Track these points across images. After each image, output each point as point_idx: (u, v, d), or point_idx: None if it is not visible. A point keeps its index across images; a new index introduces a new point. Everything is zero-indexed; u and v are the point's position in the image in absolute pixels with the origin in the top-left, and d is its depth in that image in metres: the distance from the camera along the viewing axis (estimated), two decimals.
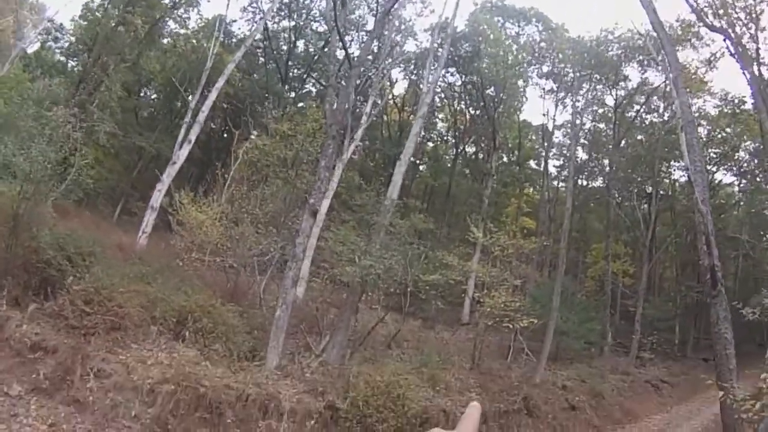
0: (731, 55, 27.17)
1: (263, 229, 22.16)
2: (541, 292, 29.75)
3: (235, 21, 40.60)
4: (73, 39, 34.50)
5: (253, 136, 28.84)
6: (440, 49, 29.30)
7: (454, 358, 22.55)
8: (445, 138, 49.06)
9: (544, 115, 47.17)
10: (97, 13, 30.61)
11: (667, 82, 37.26)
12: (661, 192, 42.46)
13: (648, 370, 30.79)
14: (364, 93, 33.62)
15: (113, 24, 29.54)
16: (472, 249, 31.63)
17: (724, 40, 26.78)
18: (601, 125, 45.43)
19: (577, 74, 39.02)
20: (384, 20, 25.71)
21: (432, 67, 28.21)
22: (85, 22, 32.16)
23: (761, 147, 42.01)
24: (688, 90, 40.50)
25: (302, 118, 30.46)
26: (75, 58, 34.92)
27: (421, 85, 43.82)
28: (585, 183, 48.24)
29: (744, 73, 25.82)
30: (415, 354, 21.06)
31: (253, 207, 22.86)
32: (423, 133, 47.53)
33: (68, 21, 35.40)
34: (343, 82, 23.91)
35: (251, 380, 13.54)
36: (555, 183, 50.83)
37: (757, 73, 25.82)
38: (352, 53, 39.61)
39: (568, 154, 48.67)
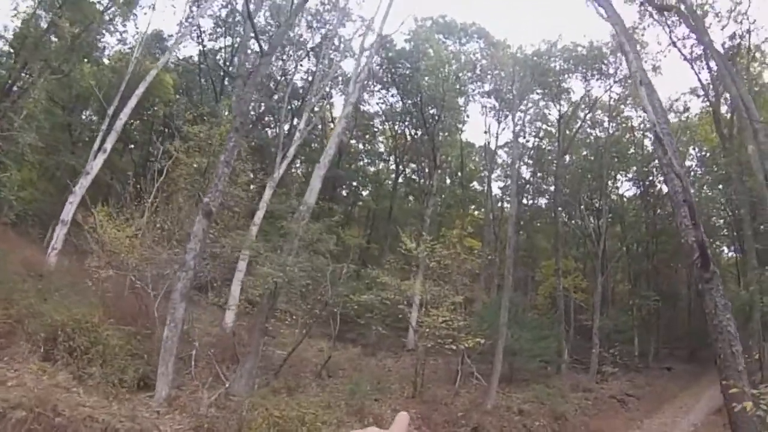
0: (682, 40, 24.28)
1: (177, 245, 18.79)
2: (488, 310, 26.04)
3: (171, 36, 36.90)
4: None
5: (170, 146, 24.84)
6: (368, 51, 25.51)
7: (393, 386, 19.40)
8: (387, 160, 45.23)
9: (485, 132, 44.00)
10: (24, 15, 26.32)
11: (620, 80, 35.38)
12: (610, 205, 39.56)
13: (611, 385, 27.08)
14: (299, 114, 31.75)
15: (44, 27, 25.96)
16: (415, 269, 27.79)
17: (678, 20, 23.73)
18: (544, 143, 42.59)
19: (519, 89, 36.21)
20: (299, 11, 22.32)
21: (360, 71, 24.30)
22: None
23: (707, 155, 40.12)
24: (631, 101, 38.74)
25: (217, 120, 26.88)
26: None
27: (360, 106, 41.26)
28: (530, 202, 46.08)
29: (703, 47, 23.30)
30: (350, 383, 17.40)
31: (163, 221, 19.70)
32: (366, 159, 44.55)
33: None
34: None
35: (125, 413, 10.85)
36: (500, 204, 48.07)
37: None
38: (289, 69, 37.80)
39: (510, 173, 46.21)
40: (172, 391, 13.28)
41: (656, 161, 39.97)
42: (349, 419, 13.75)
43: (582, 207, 37.83)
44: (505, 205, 48.56)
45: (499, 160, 46.69)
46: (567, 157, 40.20)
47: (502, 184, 48.32)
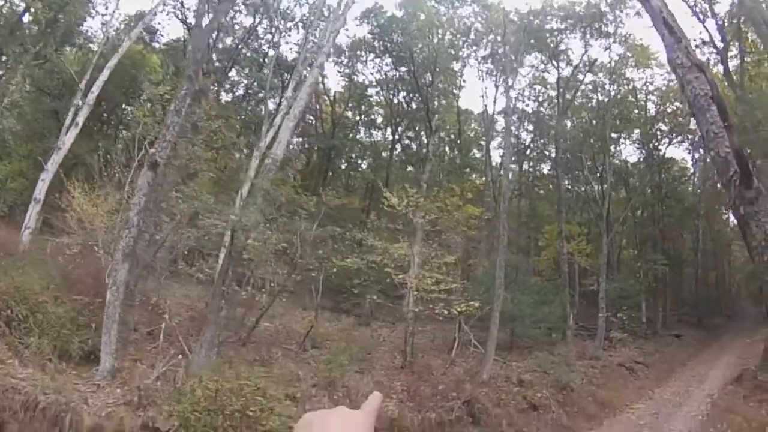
0: None
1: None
2: (485, 273, 23.57)
3: (155, 14, 34.08)
4: None
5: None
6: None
7: (384, 356, 17.60)
8: (384, 129, 42.80)
9: (481, 96, 41.00)
10: None
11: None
12: (614, 169, 37.00)
13: (619, 353, 24.66)
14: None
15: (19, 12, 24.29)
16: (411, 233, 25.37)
17: None
18: (545, 106, 39.99)
19: (515, 51, 33.51)
20: None
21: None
22: None
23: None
24: (633, 62, 36.00)
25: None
26: None
27: (354, 77, 38.90)
28: (531, 168, 44.45)
29: None
30: (329, 354, 15.14)
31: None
32: (363, 129, 42.06)
33: None
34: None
35: (52, 385, 9.45)
36: (500, 171, 45.44)
37: None
38: (279, 42, 35.23)
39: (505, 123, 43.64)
40: (124, 363, 11.75)
41: (660, 124, 38.02)
42: (318, 393, 11.46)
43: (585, 171, 35.05)
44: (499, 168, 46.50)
45: (498, 127, 44.25)
46: (568, 122, 37.73)
47: (502, 152, 45.97)
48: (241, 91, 37.62)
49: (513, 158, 43.98)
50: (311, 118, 39.74)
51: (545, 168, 43.80)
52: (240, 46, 35.62)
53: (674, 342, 30.17)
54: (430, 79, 35.11)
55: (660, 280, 35.12)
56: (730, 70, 28.99)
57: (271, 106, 29.48)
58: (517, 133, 42.73)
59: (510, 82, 31.62)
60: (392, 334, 22.96)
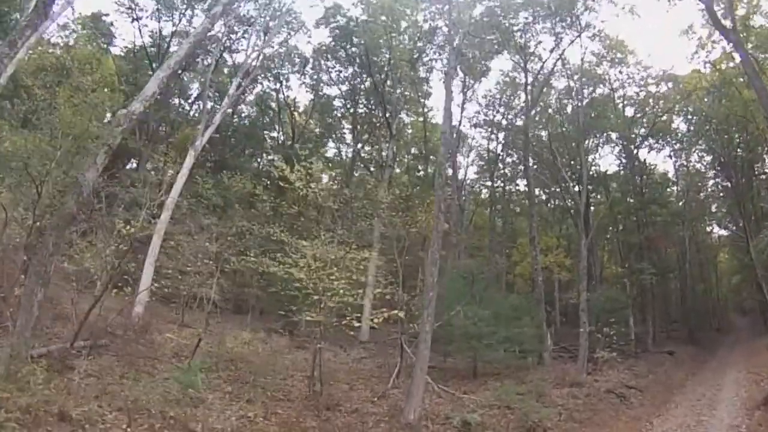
0: None
1: None
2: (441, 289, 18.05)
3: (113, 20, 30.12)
4: None
5: None
6: None
7: (295, 384, 12.85)
8: (345, 140, 37.58)
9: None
10: None
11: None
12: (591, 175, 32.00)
13: (606, 376, 18.92)
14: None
15: None
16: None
17: None
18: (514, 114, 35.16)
19: (481, 48, 28.74)
20: None
21: None
22: None
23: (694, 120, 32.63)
24: (609, 60, 31.15)
25: None
26: None
27: (319, 90, 34.09)
28: (503, 184, 39.28)
29: None
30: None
31: None
32: (329, 142, 37.06)
33: None
34: None
35: None
36: (472, 185, 41.01)
37: None
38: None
39: (482, 153, 38.92)
40: None
41: (641, 129, 33.12)
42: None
43: (562, 172, 29.62)
44: (477, 185, 41.71)
45: (472, 142, 39.50)
46: (543, 133, 33.33)
47: (473, 165, 41.16)
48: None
49: (485, 173, 39.51)
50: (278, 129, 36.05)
51: (521, 185, 38.67)
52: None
53: (667, 360, 24.65)
54: (389, 82, 31.02)
55: (647, 291, 29.82)
56: None
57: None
58: (487, 146, 38.47)
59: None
60: (335, 359, 18.06)
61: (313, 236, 13.83)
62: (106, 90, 21.38)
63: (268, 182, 26.89)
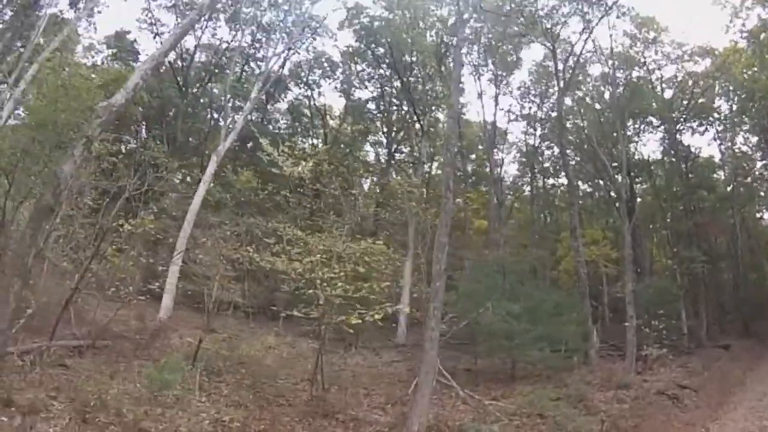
0: None
1: None
2: (471, 281, 16.50)
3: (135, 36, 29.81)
4: None
5: None
6: None
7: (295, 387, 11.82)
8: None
9: (478, 97, 33.94)
10: None
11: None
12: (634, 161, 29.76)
13: (657, 375, 16.95)
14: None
15: None
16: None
17: None
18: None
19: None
20: None
21: None
22: None
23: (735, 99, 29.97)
24: (643, 35, 28.88)
25: None
26: None
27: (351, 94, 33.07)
28: (547, 182, 38.31)
29: None
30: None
31: None
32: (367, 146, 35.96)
33: None
34: None
35: None
36: (513, 182, 39.55)
37: None
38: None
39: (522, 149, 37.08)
40: None
41: (681, 111, 30.75)
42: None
43: (602, 165, 27.88)
44: (519, 182, 39.69)
45: (511, 138, 37.70)
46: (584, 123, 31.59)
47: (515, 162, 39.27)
48: None
49: (527, 169, 37.64)
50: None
51: (563, 178, 36.48)
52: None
53: (723, 355, 22.20)
54: (422, 85, 30.09)
55: (699, 281, 27.42)
56: None
57: None
58: (525, 140, 36.59)
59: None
60: (364, 363, 17.05)
61: (317, 228, 12.66)
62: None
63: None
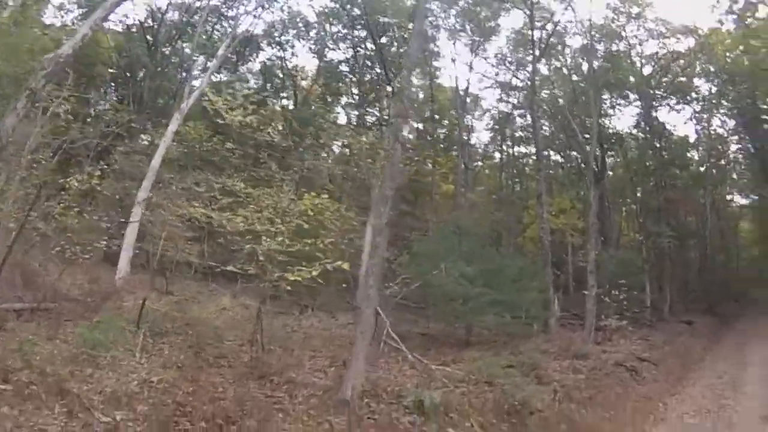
0: None
1: None
2: (425, 242, 15.60)
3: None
4: None
5: None
6: None
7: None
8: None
9: (453, 60, 32.99)
10: None
11: None
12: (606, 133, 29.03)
13: (616, 346, 16.25)
14: None
15: None
16: None
17: None
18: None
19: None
20: None
21: None
22: None
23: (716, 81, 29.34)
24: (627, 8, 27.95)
25: None
26: None
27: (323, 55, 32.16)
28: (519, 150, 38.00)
29: None
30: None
31: None
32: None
33: None
34: None
35: None
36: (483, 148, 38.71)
37: None
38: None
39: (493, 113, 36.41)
40: None
41: (660, 88, 30.05)
42: None
43: (573, 134, 27.16)
44: (489, 148, 39.02)
45: (485, 104, 36.75)
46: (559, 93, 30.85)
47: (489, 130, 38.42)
48: None
49: (498, 136, 36.96)
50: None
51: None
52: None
53: (685, 331, 21.72)
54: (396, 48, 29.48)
55: (665, 257, 27.01)
56: None
57: None
58: (498, 107, 35.72)
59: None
60: (318, 325, 16.08)
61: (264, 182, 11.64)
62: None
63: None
